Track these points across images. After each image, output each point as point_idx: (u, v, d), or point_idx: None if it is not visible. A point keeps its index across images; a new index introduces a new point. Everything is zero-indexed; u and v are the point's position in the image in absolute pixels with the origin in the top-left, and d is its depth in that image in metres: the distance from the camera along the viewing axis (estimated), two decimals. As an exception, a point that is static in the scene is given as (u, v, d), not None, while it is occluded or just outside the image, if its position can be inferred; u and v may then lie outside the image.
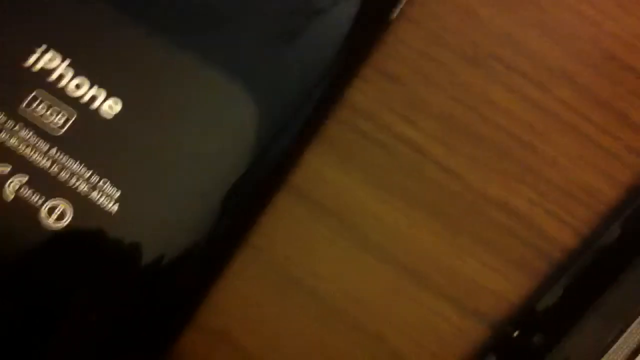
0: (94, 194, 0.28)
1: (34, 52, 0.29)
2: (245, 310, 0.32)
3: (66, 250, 0.28)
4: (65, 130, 0.29)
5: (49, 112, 0.29)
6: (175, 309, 0.30)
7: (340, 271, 0.32)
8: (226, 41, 0.31)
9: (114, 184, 0.28)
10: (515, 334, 0.31)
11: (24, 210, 0.28)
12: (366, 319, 0.32)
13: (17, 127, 0.28)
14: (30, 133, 0.28)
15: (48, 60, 0.29)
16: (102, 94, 0.29)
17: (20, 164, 0.28)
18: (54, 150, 0.28)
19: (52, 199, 0.28)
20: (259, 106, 0.30)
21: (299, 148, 0.33)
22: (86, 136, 0.29)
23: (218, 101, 0.30)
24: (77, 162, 0.28)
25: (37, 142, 0.28)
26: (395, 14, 0.34)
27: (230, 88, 0.30)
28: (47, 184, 0.28)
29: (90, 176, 0.28)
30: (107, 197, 0.28)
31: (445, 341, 0.33)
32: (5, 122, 0.28)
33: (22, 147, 0.28)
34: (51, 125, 0.28)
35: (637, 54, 0.36)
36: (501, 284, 0.33)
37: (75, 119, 0.29)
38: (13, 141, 0.28)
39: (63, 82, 0.29)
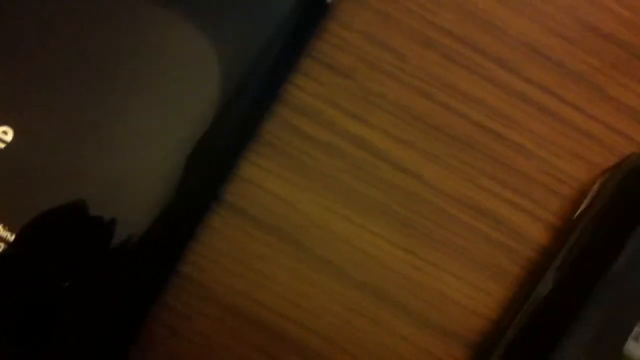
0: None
1: None
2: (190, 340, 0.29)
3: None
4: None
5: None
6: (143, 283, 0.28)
7: (286, 296, 0.29)
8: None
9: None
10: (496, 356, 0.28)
11: None
12: (320, 347, 0.29)
13: None
14: None
15: None
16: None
17: None
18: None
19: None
20: (220, 63, 0.28)
21: (259, 111, 0.30)
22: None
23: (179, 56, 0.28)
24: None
25: None
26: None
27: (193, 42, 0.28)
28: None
29: None
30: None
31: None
32: None
33: None
34: None
35: (619, 20, 0.32)
36: (473, 296, 0.29)
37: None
38: None
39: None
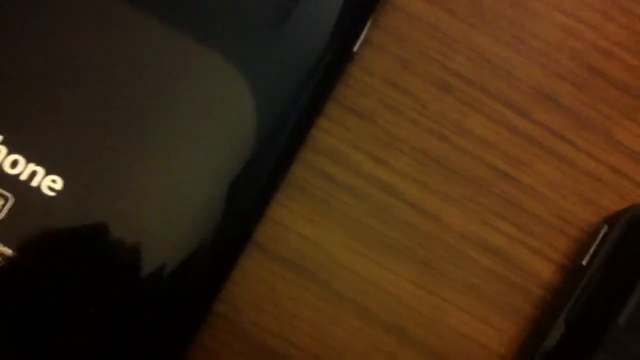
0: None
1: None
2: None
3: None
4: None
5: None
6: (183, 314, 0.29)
7: (313, 335, 0.30)
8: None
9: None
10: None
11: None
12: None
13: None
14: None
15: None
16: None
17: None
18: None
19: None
20: (256, 97, 0.29)
21: (298, 142, 0.31)
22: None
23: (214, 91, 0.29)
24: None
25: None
26: (358, 44, 0.31)
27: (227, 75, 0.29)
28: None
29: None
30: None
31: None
32: None
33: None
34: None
35: (620, 64, 0.33)
36: (488, 334, 0.31)
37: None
38: None
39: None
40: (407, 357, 0.31)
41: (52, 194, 0.27)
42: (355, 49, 0.31)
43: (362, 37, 0.31)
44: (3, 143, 0.27)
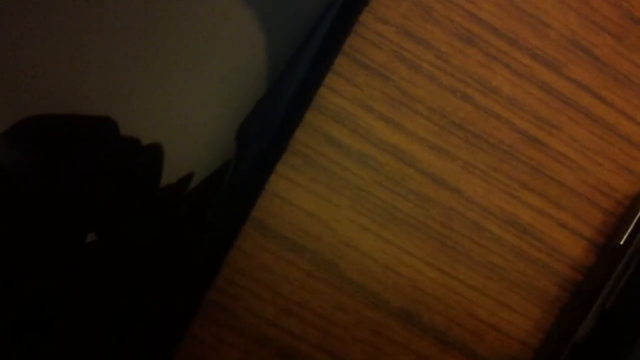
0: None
1: None
2: None
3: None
4: None
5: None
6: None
7: (316, 324, 0.27)
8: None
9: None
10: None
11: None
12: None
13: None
14: None
15: None
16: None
17: None
18: None
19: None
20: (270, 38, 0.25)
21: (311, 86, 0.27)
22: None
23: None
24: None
25: None
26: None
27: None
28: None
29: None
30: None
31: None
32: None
33: None
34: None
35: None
36: (512, 321, 0.28)
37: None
38: None
39: None
40: (421, 347, 0.28)
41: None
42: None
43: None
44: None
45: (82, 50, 0.25)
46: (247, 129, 0.25)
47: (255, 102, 0.25)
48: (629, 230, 0.27)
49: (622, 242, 0.27)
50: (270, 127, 0.26)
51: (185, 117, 0.25)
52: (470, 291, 0.28)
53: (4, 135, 0.23)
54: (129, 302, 0.25)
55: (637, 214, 0.27)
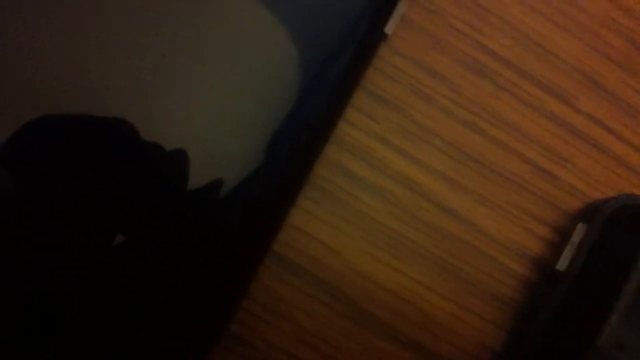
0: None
1: None
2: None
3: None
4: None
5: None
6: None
7: (336, 356, 0.27)
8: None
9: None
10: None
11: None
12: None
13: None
14: None
15: None
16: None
17: None
18: None
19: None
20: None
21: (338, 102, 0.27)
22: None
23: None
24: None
25: None
26: (391, 27, 0.26)
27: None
28: None
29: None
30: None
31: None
32: None
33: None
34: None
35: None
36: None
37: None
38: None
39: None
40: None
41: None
42: (387, 29, 0.27)
43: (395, 15, 0.27)
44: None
45: (110, 55, 0.25)
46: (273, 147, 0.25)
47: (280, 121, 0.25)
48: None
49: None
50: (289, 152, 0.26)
51: (212, 125, 0.25)
52: (484, 324, 0.28)
53: (17, 135, 0.23)
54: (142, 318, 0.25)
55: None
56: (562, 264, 0.27)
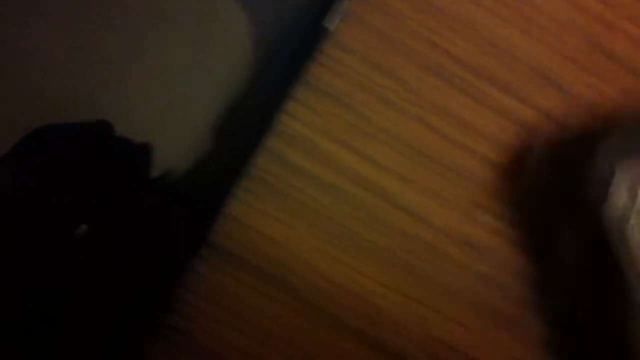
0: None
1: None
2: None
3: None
4: None
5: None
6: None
7: (287, 352, 0.27)
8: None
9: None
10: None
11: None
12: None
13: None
14: None
15: None
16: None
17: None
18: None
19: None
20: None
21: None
22: None
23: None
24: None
25: None
26: (334, 23, 0.27)
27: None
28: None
29: None
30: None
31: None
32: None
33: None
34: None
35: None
36: (478, 345, 0.28)
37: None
38: None
39: None
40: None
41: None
42: (326, 22, 0.27)
43: (336, 9, 0.27)
44: None
45: (78, 51, 0.26)
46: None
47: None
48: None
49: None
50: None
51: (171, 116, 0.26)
52: (435, 315, 0.28)
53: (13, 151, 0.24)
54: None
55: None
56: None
